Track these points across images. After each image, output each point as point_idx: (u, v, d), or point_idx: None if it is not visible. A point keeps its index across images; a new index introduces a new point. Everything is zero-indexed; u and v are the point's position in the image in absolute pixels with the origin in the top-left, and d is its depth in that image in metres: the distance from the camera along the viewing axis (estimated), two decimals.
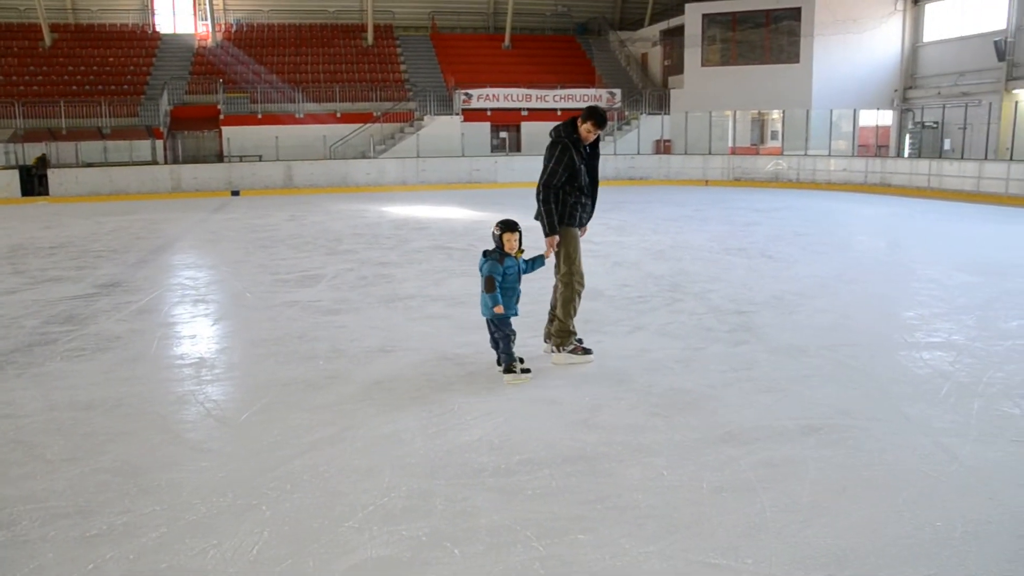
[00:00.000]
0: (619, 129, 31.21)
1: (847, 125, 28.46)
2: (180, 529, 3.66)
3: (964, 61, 27.53)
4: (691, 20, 30.84)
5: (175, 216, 19.10)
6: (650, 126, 31.27)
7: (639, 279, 9.86)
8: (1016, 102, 24.48)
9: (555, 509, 3.81)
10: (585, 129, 6.15)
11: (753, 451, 4.46)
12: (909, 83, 29.91)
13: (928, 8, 29.28)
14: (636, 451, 4.48)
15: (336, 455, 4.50)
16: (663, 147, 30.91)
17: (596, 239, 13.42)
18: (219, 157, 28.43)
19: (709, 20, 30.83)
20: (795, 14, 29.27)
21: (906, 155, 27.49)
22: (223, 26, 34.96)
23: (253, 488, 4.07)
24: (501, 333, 5.85)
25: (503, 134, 31.38)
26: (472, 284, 9.65)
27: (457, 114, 30.63)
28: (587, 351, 6.35)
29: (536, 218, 6.26)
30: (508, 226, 5.87)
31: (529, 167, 28.46)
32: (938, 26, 29.01)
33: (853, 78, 29.25)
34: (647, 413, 5.08)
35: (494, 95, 31.49)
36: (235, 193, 25.65)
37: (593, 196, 6.39)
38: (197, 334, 7.61)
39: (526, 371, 5.88)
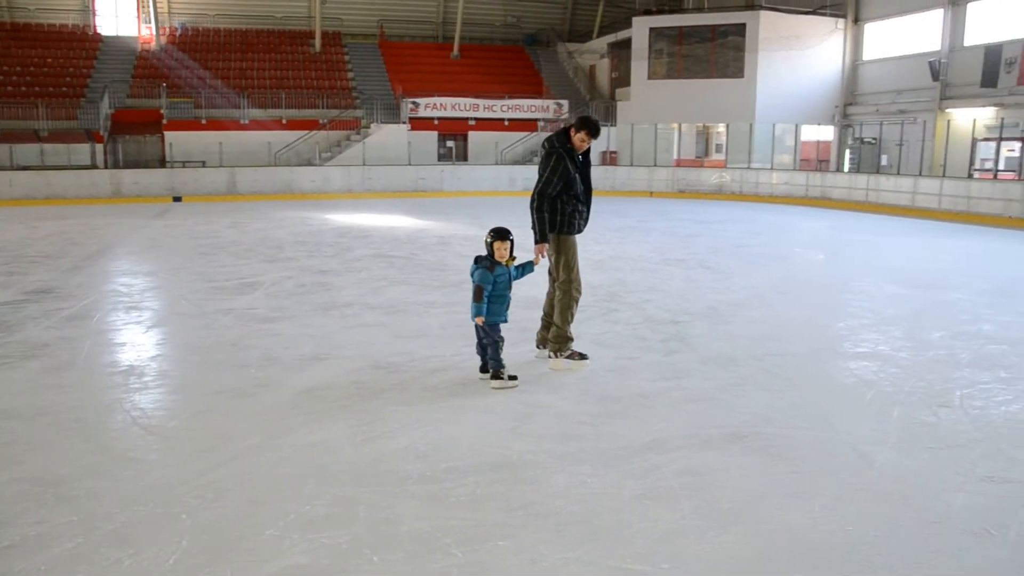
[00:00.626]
0: None
1: (790, 139, 29.00)
2: (96, 539, 3.60)
3: (901, 80, 28.26)
4: (638, 33, 31.20)
5: (114, 222, 18.76)
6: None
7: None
8: (948, 120, 25.19)
9: (478, 516, 3.82)
10: (579, 139, 6.27)
11: (677, 459, 4.53)
12: (849, 100, 30.60)
13: (868, 28, 30.00)
14: (562, 459, 4.52)
15: (261, 463, 4.47)
16: (609, 158, 31.18)
17: None
18: (161, 162, 27.97)
19: (656, 34, 31.22)
20: (740, 30, 29.79)
21: (846, 170, 28.15)
22: (167, 30, 34.46)
23: (175, 497, 4.02)
24: (490, 339, 5.89)
25: (450, 143, 31.39)
26: (411, 292, 9.68)
27: (404, 123, 30.58)
28: (583, 356, 6.47)
29: (533, 228, 6.33)
30: (500, 234, 5.93)
31: (476, 176, 28.71)
32: (877, 45, 29.75)
33: (796, 94, 29.83)
34: (576, 422, 5.13)
35: (442, 104, 31.51)
36: (177, 199, 25.26)
37: (588, 203, 6.49)
38: (128, 342, 7.48)
39: (513, 378, 5.92)
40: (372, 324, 8.06)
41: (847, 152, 29.31)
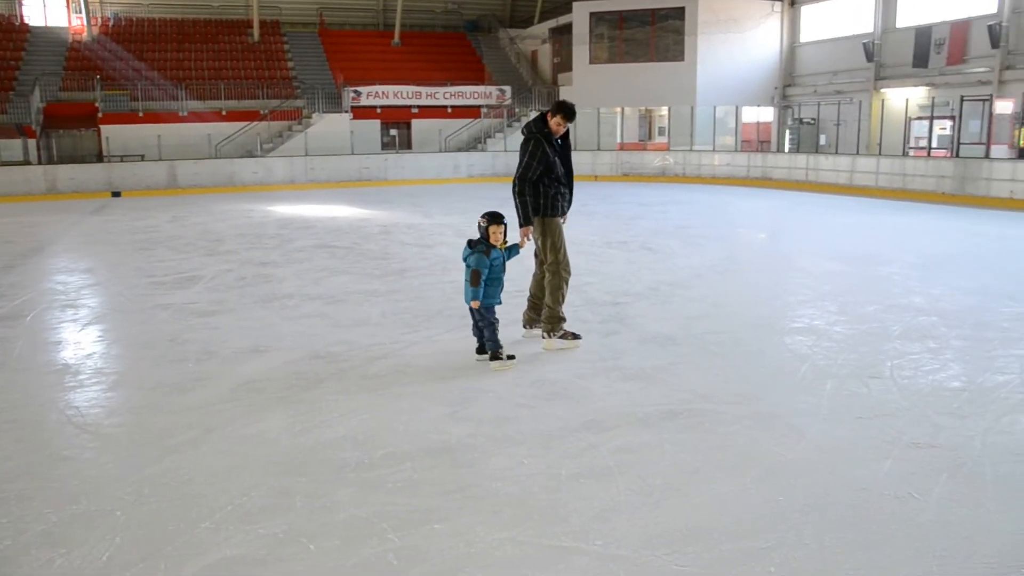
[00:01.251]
0: (509, 126, 31.40)
1: (731, 121, 29.33)
2: (27, 540, 3.55)
3: (838, 61, 28.72)
4: (579, 18, 31.26)
5: (49, 219, 18.33)
6: None
7: (519, 274, 9.93)
8: (883, 100, 25.71)
9: (414, 501, 3.85)
10: (555, 123, 6.43)
11: (613, 437, 4.60)
12: (788, 81, 31.02)
13: (804, 10, 30.42)
14: (499, 441, 4.56)
15: (197, 457, 4.43)
16: None
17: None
18: (98, 157, 27.33)
19: (597, 18, 31.30)
20: (679, 13, 29.99)
21: (786, 150, 28.52)
22: (99, 20, 33.65)
23: (109, 495, 3.98)
24: (486, 321, 6.00)
25: (393, 132, 31.18)
26: (352, 282, 9.64)
27: (346, 112, 30.30)
28: (576, 336, 6.63)
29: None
30: (494, 218, 6.02)
31: (420, 164, 28.57)
32: (814, 27, 30.18)
33: (736, 76, 30.16)
34: (514, 404, 5.18)
35: (384, 92, 31.27)
36: (116, 194, 24.75)
37: (570, 185, 6.65)
38: (64, 340, 7.35)
39: (511, 357, 6.05)
40: (312, 315, 8.02)
41: (787, 133, 29.70)
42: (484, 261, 5.91)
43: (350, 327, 7.39)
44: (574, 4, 31.57)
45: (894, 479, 4.09)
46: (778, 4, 30.58)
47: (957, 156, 21.20)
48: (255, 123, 29.09)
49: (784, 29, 30.79)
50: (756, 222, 16.65)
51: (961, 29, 24.46)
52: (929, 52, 25.27)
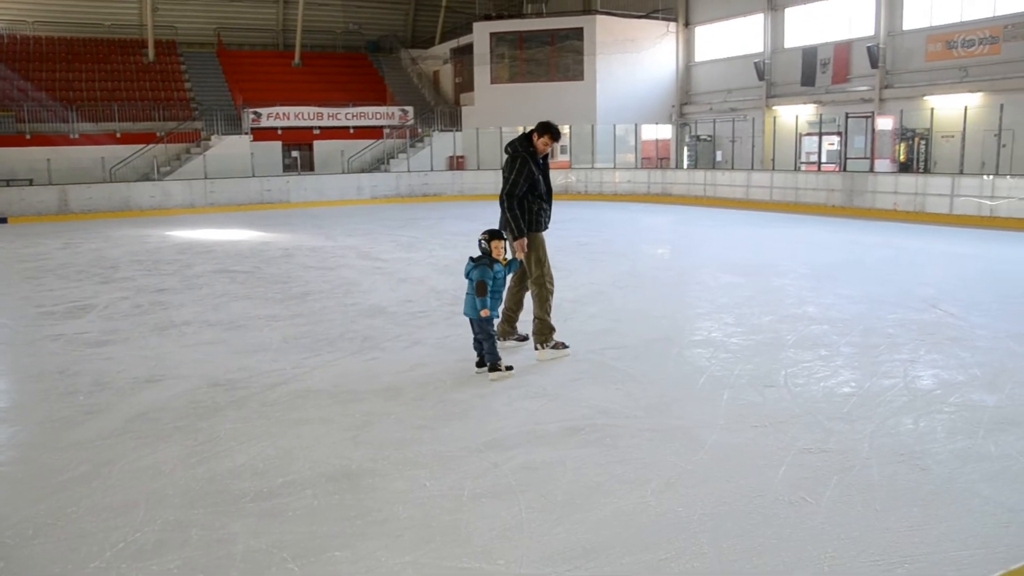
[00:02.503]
0: (412, 146, 31.37)
1: (631, 139, 29.92)
2: None
3: (731, 79, 29.64)
4: (479, 39, 31.49)
5: None
6: (443, 143, 31.64)
7: (423, 294, 9.96)
8: (775, 117, 26.63)
9: (315, 528, 3.78)
10: (542, 143, 6.75)
11: (515, 456, 4.61)
12: (685, 99, 31.84)
13: (698, 31, 31.30)
14: (401, 464, 4.53)
15: (87, 493, 4.27)
16: (456, 163, 31.34)
17: (384, 256, 13.46)
18: None
19: (497, 39, 31.58)
20: (578, 34, 30.50)
21: (684, 166, 29.25)
22: None
23: None
24: (485, 334, 6.23)
25: (295, 153, 30.78)
26: (253, 307, 9.45)
27: (246, 133, 29.78)
28: (565, 346, 6.88)
29: (502, 227, 6.70)
30: (495, 235, 6.36)
31: (322, 186, 28.25)
32: (708, 47, 31.08)
33: (634, 94, 30.80)
34: (415, 426, 5.15)
35: (285, 114, 30.87)
36: (2, 220, 23.73)
37: (550, 202, 6.91)
38: None
39: (509, 368, 6.28)
40: (211, 341, 7.83)
41: (685, 149, 30.49)
42: (488, 272, 6.22)
43: (250, 353, 7.24)
44: (475, 25, 31.79)
45: (788, 484, 4.21)
46: (673, 24, 31.39)
47: (845, 170, 22.10)
48: (151, 145, 28.32)
49: (680, 49, 31.61)
50: (657, 237, 17.00)
51: (844, 50, 25.55)
52: (816, 71, 26.31)
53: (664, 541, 3.63)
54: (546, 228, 6.89)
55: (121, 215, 25.05)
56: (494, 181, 29.11)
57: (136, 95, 31.26)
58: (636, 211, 22.97)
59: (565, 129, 31.79)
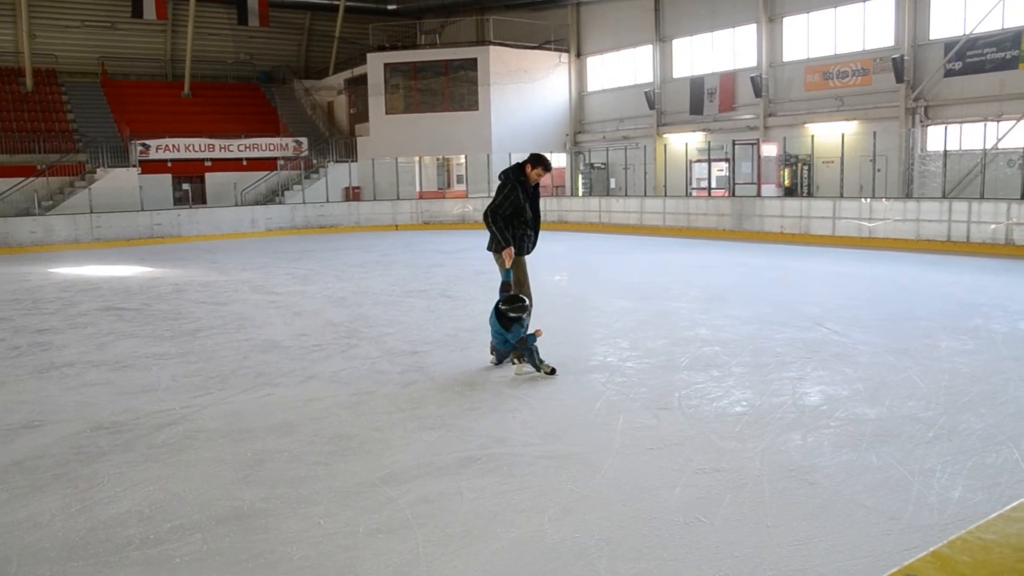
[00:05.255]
0: (307, 178, 30.97)
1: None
2: None
3: (623, 108, 30.34)
4: (373, 69, 31.42)
5: None
6: (338, 174, 31.33)
7: (317, 327, 9.78)
8: (666, 144, 27.37)
9: (204, 575, 3.63)
10: (536, 173, 7.31)
11: (411, 489, 4.54)
12: (578, 128, 32.41)
13: (590, 61, 31.98)
14: (295, 503, 4.40)
15: None
16: (352, 194, 31.07)
17: (279, 289, 13.20)
18: None
19: (391, 69, 31.56)
20: (472, 64, 30.76)
21: (579, 194, 29.72)
22: None
23: None
24: (525, 349, 7.06)
25: (186, 186, 29.98)
26: (141, 345, 9.13)
27: (134, 166, 28.88)
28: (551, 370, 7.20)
29: (488, 248, 7.44)
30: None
31: (215, 219, 27.59)
32: (599, 77, 31.78)
33: (529, 123, 31.20)
34: (309, 463, 5.02)
35: (175, 146, 30.09)
36: None
37: (536, 228, 7.47)
38: None
39: (551, 370, 7.04)
40: (96, 382, 7.49)
41: (580, 177, 31.01)
42: (519, 332, 7.16)
43: (137, 393, 6.95)
44: (368, 55, 31.72)
45: (683, 505, 4.26)
46: (565, 55, 31.98)
47: (733, 195, 22.82)
48: (31, 179, 27.15)
49: (572, 79, 32.21)
50: (553, 264, 17.13)
51: (729, 80, 26.48)
52: (703, 100, 27.18)
53: (561, 568, 3.62)
54: (529, 252, 7.49)
55: None
56: (391, 211, 29.08)
57: (13, 125, 29.97)
58: None
59: (460, 159, 32.02)
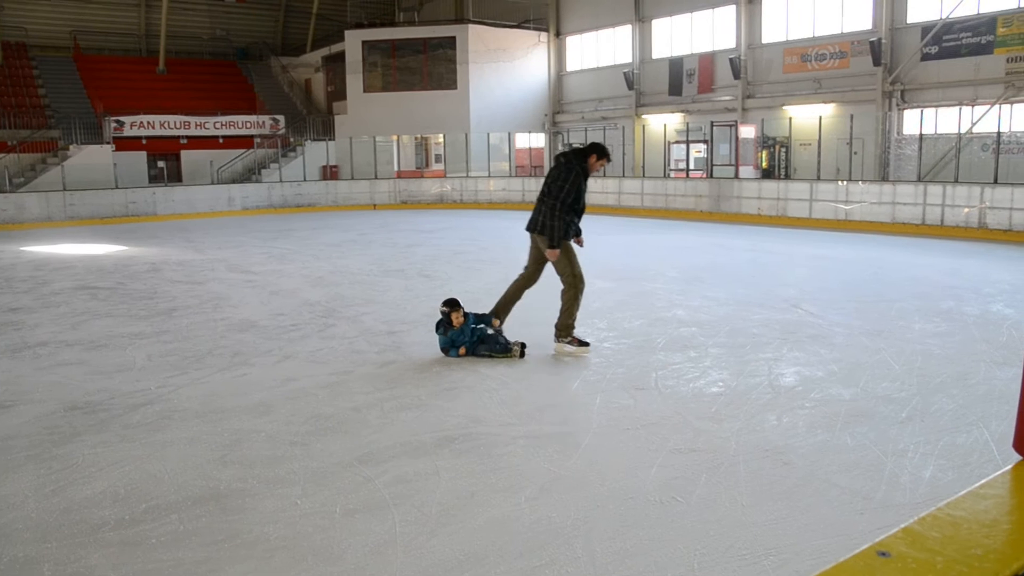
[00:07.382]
0: (284, 156, 30.71)
1: (505, 147, 30.17)
2: None
3: (602, 89, 30.30)
4: (351, 47, 31.15)
5: None
6: (316, 152, 31.09)
7: (294, 307, 9.74)
8: (644, 125, 27.37)
9: (180, 555, 3.63)
10: (599, 164, 7.28)
11: (388, 469, 4.55)
12: (557, 108, 32.34)
13: (569, 41, 31.88)
14: (271, 483, 4.40)
15: None
16: (330, 173, 30.88)
17: (255, 268, 13.12)
18: None
19: (369, 47, 31.32)
20: (451, 43, 30.58)
21: None
22: None
23: None
24: (489, 345, 7.06)
25: (161, 164, 29.68)
26: (116, 325, 9.06)
27: (108, 143, 28.51)
28: (584, 343, 7.24)
29: (529, 228, 7.32)
30: (454, 306, 7.17)
31: (191, 197, 27.34)
32: (578, 57, 31.70)
33: (507, 103, 31.09)
34: (287, 443, 5.01)
35: (149, 122, 29.74)
36: None
37: (581, 215, 7.34)
38: None
39: (519, 351, 7.09)
40: (69, 362, 7.42)
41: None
42: (445, 340, 7.07)
43: (112, 373, 6.90)
44: (346, 33, 31.45)
45: (659, 485, 4.30)
46: (544, 35, 31.86)
47: (711, 177, 22.88)
48: (2, 155, 26.75)
49: (551, 58, 32.10)
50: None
51: (708, 61, 26.49)
52: (682, 81, 27.18)
53: (538, 548, 3.64)
54: (577, 235, 7.40)
55: None
56: (369, 191, 28.90)
57: None
58: (511, 219, 23.10)
59: (439, 138, 31.87)
